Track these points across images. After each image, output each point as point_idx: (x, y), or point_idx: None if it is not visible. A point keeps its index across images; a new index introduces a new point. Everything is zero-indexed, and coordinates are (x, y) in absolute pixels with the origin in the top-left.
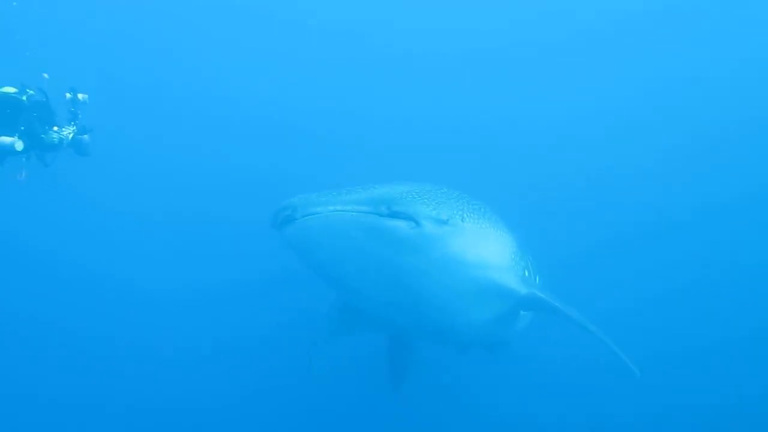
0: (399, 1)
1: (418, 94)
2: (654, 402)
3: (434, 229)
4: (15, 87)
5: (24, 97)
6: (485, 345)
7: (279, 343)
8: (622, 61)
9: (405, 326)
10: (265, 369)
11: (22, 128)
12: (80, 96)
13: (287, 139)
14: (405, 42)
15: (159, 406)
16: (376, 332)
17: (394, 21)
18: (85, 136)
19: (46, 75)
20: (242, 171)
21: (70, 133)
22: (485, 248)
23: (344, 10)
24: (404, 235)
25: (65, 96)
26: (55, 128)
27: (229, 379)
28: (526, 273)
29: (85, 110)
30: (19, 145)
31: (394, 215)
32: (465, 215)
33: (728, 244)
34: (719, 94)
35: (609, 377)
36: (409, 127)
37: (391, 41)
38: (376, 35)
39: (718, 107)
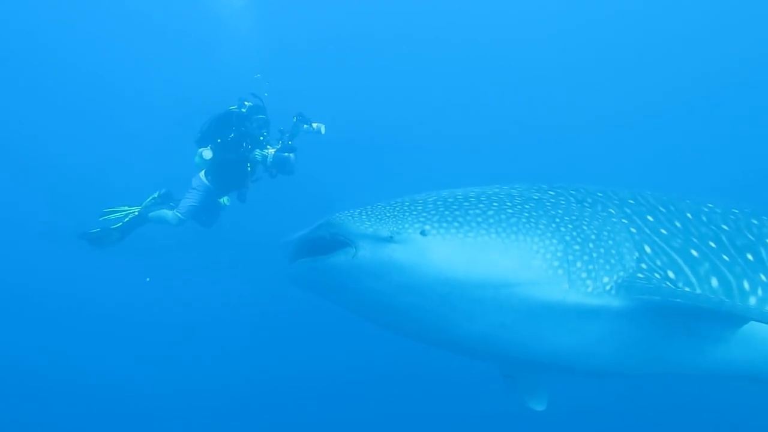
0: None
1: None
2: None
3: (375, 250)
4: (234, 105)
5: (243, 110)
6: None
7: None
8: None
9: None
10: None
11: (231, 135)
12: (315, 125)
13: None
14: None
15: None
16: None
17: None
18: (290, 154)
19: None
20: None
21: (272, 151)
22: (481, 261)
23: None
24: (346, 264)
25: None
26: (270, 149)
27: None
28: (618, 277)
29: (316, 138)
30: (207, 154)
31: (333, 237)
32: (430, 226)
33: None
34: None
35: None
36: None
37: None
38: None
39: None
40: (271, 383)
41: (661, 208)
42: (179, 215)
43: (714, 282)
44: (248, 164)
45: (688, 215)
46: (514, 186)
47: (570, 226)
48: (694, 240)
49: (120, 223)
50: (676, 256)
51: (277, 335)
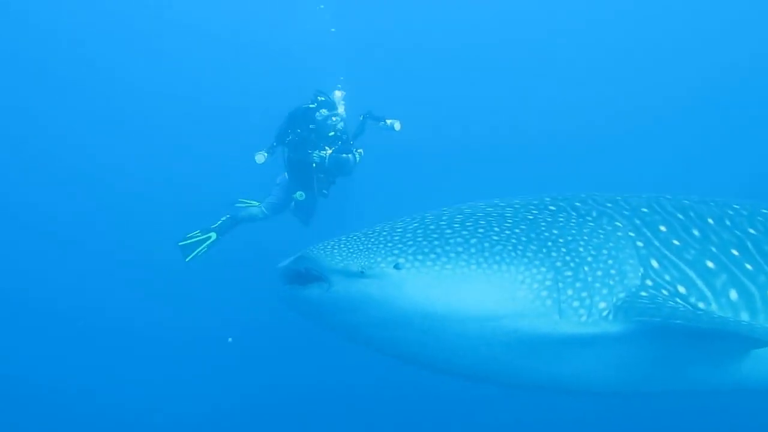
0: None
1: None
2: None
3: (347, 285)
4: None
5: (313, 105)
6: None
7: None
8: None
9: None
10: None
11: (289, 138)
12: (388, 121)
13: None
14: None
15: None
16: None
17: None
18: (348, 155)
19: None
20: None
21: (330, 151)
22: (461, 294)
23: None
24: (320, 298)
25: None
26: (328, 149)
27: None
28: (618, 301)
29: (391, 135)
30: (260, 159)
31: (308, 271)
32: (404, 259)
33: None
34: None
35: None
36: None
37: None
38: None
39: None
40: (280, 389)
41: (679, 215)
42: (263, 209)
43: (733, 294)
44: (313, 163)
45: (710, 221)
46: (512, 202)
47: (563, 249)
48: (713, 249)
49: (216, 224)
50: (687, 269)
51: (285, 343)
